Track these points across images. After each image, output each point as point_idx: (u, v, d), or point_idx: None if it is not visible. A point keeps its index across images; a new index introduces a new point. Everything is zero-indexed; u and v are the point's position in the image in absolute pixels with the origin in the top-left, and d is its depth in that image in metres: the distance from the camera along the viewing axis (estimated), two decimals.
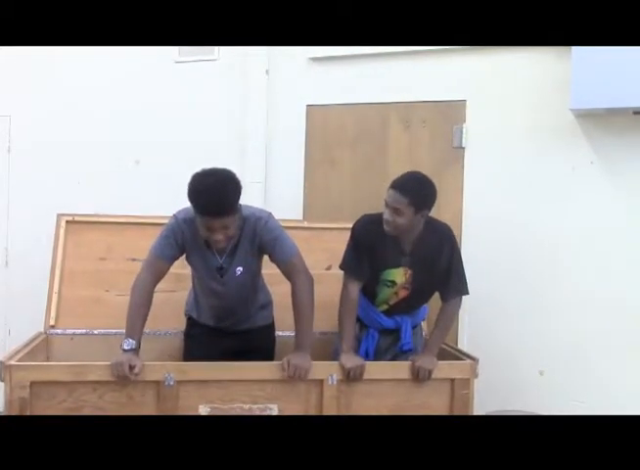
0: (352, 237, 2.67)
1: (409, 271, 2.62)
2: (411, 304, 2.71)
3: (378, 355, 2.72)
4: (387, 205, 2.51)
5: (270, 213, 2.58)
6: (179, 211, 2.54)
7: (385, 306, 2.71)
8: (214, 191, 2.31)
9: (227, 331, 2.69)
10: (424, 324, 2.96)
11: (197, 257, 2.55)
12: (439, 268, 2.61)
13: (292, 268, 2.53)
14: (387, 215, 2.51)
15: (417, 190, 2.50)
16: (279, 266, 2.56)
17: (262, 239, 2.52)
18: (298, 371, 2.43)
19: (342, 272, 2.69)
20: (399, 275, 2.62)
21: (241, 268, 2.55)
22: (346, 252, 2.67)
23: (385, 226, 2.53)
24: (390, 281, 2.64)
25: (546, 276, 3.24)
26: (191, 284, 2.76)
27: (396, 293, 2.67)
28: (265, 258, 2.63)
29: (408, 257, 2.60)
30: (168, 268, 2.53)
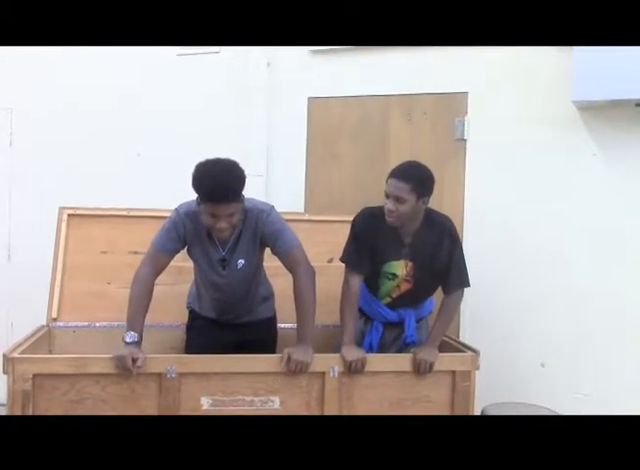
0: (353, 230, 2.67)
1: (410, 264, 2.62)
2: (414, 297, 2.71)
3: (383, 349, 2.73)
4: (388, 195, 2.51)
5: (272, 206, 2.58)
6: (181, 205, 2.54)
7: (388, 300, 2.72)
8: (220, 176, 2.33)
9: (229, 324, 2.70)
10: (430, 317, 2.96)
11: (199, 250, 2.55)
12: (440, 260, 2.61)
13: (293, 260, 2.53)
14: (389, 205, 2.50)
15: (417, 176, 2.51)
16: (280, 258, 2.57)
17: (264, 232, 2.52)
18: (299, 366, 2.44)
19: (343, 265, 2.69)
20: (400, 268, 2.62)
21: (242, 261, 2.56)
22: (347, 244, 2.68)
23: (387, 217, 2.52)
24: (392, 274, 2.64)
25: (548, 268, 3.24)
26: (193, 277, 2.76)
27: (398, 286, 2.67)
28: (267, 250, 2.64)
29: (408, 248, 2.60)
30: (169, 261, 2.54)
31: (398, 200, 2.48)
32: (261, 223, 2.51)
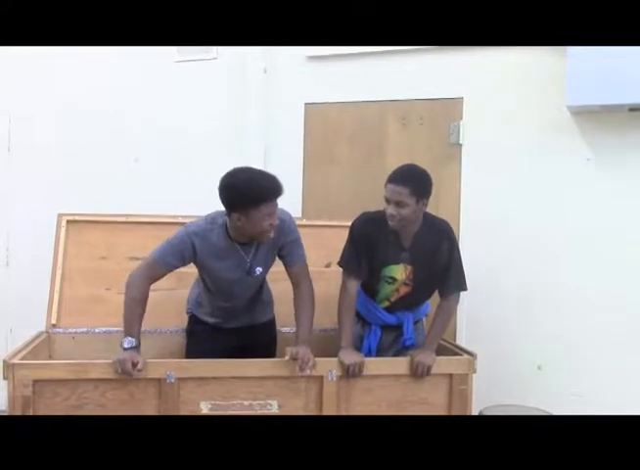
0: (351, 234, 2.69)
1: (409, 267, 2.63)
2: (413, 300, 2.73)
3: (381, 352, 2.74)
4: (388, 201, 2.52)
5: (290, 215, 2.59)
6: (190, 224, 2.53)
7: (386, 303, 2.73)
8: (266, 175, 2.39)
9: (230, 328, 2.70)
10: (425, 320, 2.98)
11: (217, 263, 2.51)
12: (439, 263, 2.63)
13: (303, 273, 2.59)
14: (390, 210, 2.51)
15: (415, 178, 2.53)
16: (291, 268, 2.59)
17: (286, 240, 2.54)
18: (308, 360, 2.44)
19: (341, 269, 2.71)
20: (399, 271, 2.64)
21: (260, 269, 2.58)
22: (345, 249, 2.69)
23: (389, 222, 2.53)
24: (391, 278, 2.66)
25: (543, 271, 3.26)
26: (192, 282, 2.78)
27: (397, 290, 2.68)
28: None
29: (407, 252, 2.62)
30: (165, 274, 2.52)
31: (399, 204, 2.49)
32: (283, 232, 2.52)
